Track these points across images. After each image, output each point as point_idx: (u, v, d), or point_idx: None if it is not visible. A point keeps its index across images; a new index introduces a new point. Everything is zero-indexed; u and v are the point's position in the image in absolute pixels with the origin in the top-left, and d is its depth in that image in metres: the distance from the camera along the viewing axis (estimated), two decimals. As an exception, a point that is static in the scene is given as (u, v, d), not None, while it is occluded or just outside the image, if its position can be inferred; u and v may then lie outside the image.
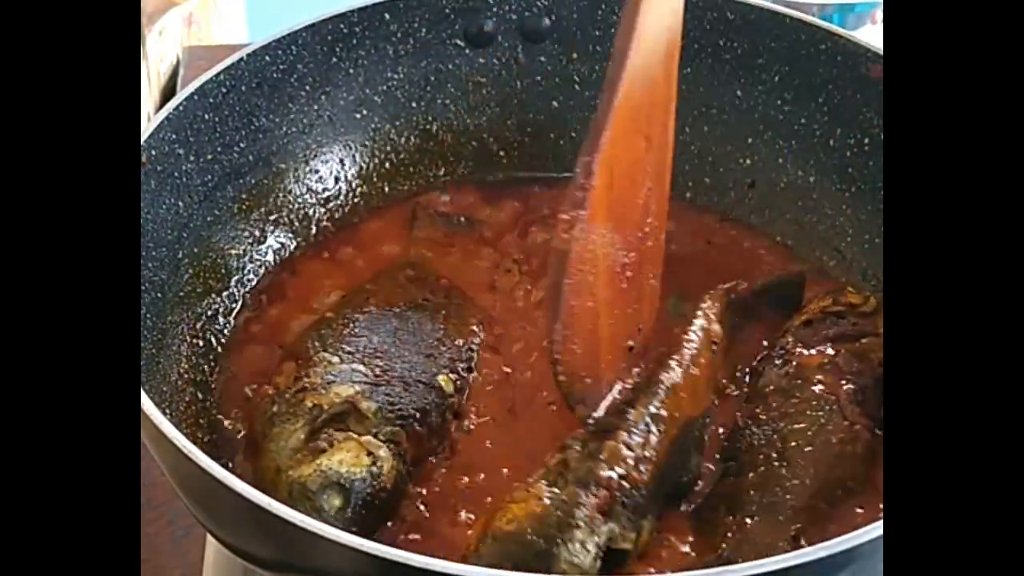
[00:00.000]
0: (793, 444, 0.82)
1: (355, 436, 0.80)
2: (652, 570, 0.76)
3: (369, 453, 0.80)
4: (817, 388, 0.85)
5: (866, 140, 0.98)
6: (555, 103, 1.09)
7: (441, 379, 0.88)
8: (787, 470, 0.81)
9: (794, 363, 0.88)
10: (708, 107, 1.06)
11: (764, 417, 0.85)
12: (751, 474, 0.81)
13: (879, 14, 1.34)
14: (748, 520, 0.78)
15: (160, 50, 1.45)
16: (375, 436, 0.81)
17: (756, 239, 1.04)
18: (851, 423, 0.84)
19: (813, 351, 0.89)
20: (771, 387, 0.87)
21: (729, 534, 0.77)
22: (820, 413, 0.84)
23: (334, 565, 0.65)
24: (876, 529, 0.64)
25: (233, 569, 0.88)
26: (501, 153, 1.10)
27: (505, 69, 1.08)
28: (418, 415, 0.84)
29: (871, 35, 1.29)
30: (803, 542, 0.76)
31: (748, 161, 1.05)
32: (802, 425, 0.83)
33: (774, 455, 0.82)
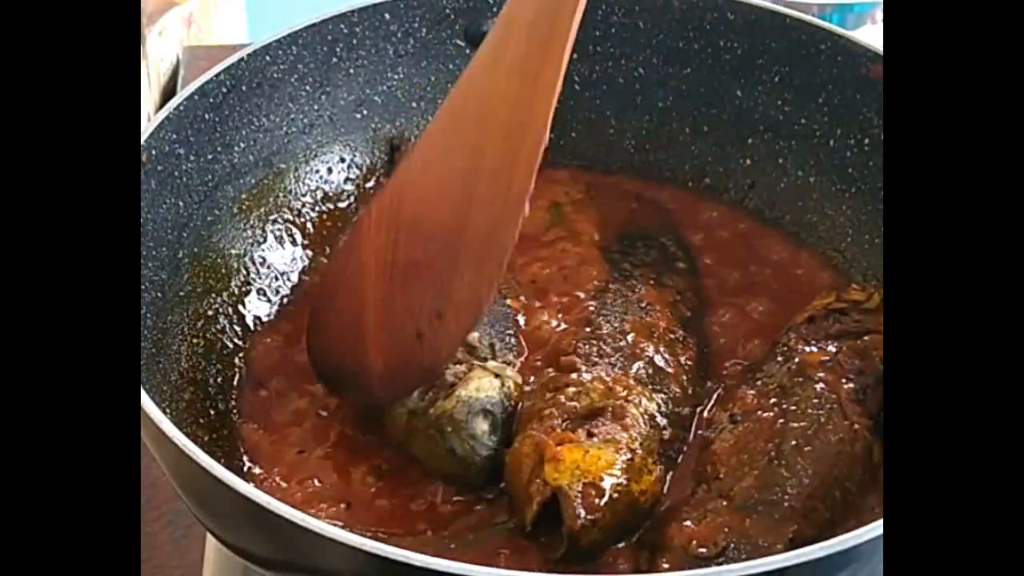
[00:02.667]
0: (792, 443, 0.82)
1: (479, 364, 0.85)
2: (665, 566, 0.76)
3: (497, 376, 0.84)
4: (818, 386, 0.85)
5: (866, 140, 0.98)
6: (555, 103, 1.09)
7: (509, 301, 0.93)
8: (786, 469, 0.81)
9: (796, 360, 0.88)
10: (708, 107, 1.06)
11: (763, 415, 0.85)
12: (748, 472, 0.81)
13: (879, 14, 1.34)
14: (747, 520, 0.78)
15: (160, 50, 1.45)
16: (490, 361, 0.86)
17: (756, 239, 1.04)
18: (851, 423, 0.84)
19: (815, 348, 0.89)
20: (773, 384, 0.87)
21: (727, 529, 0.77)
22: (820, 412, 0.84)
23: (334, 565, 0.65)
24: (876, 529, 0.64)
25: (233, 569, 0.88)
26: (501, 153, 1.10)
27: (505, 69, 1.08)
28: (506, 337, 0.90)
29: (871, 35, 1.29)
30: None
31: (748, 161, 1.05)
32: (802, 424, 0.83)
33: (772, 453, 0.82)
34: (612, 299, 0.93)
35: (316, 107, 1.03)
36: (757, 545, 0.76)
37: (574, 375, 0.85)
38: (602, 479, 0.77)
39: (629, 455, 0.80)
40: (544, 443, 0.79)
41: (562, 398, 0.83)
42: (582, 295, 0.95)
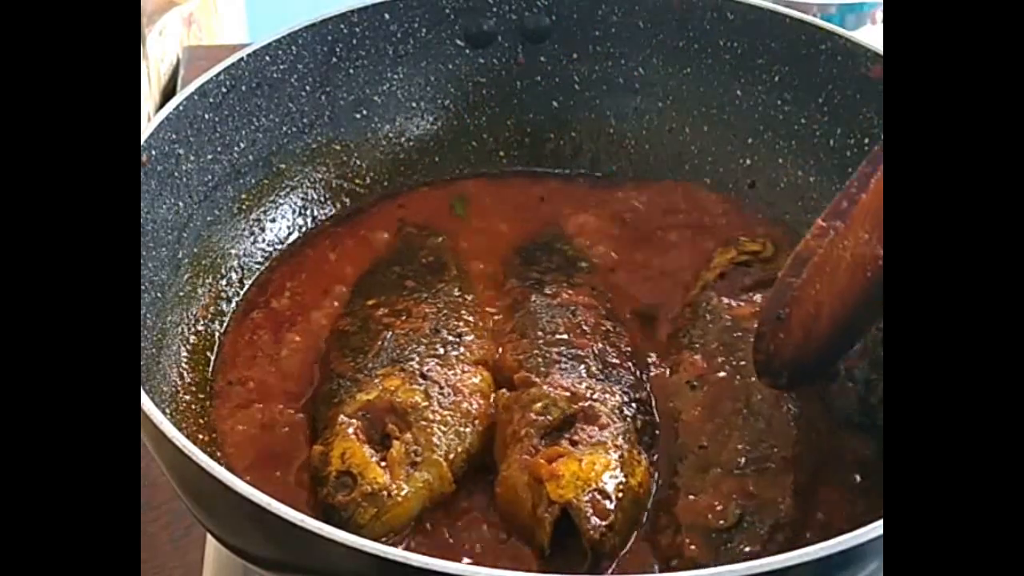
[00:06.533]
0: (759, 396, 0.84)
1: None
2: (692, 548, 0.77)
3: None
4: None
5: (866, 140, 0.98)
6: (555, 103, 1.09)
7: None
8: (762, 422, 0.82)
9: (726, 317, 0.90)
10: (708, 107, 1.06)
11: (719, 375, 0.86)
12: (729, 434, 0.82)
13: (879, 14, 1.34)
14: (748, 482, 0.79)
15: (160, 50, 1.45)
16: None
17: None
18: None
19: (739, 303, 0.90)
20: (714, 344, 0.88)
21: (735, 496, 0.78)
22: None
23: (334, 565, 0.65)
24: (876, 529, 0.64)
25: (233, 569, 0.88)
26: (501, 153, 1.10)
27: (505, 69, 1.08)
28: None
29: (871, 35, 1.29)
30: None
31: (748, 161, 1.05)
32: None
33: (744, 411, 0.83)
34: (536, 308, 0.92)
35: (316, 107, 1.03)
36: (766, 502, 0.78)
37: (533, 389, 0.84)
38: (604, 483, 0.77)
39: (618, 452, 0.80)
40: (535, 464, 0.78)
41: (532, 415, 0.82)
42: (503, 313, 0.94)
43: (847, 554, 0.64)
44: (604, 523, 0.76)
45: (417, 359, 0.86)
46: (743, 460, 0.80)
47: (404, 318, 0.91)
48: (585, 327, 0.90)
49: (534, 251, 1.01)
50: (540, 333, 0.89)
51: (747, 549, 0.76)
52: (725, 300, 0.91)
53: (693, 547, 0.77)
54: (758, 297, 0.91)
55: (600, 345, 0.89)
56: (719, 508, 0.78)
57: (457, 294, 0.95)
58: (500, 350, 0.90)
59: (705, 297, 0.93)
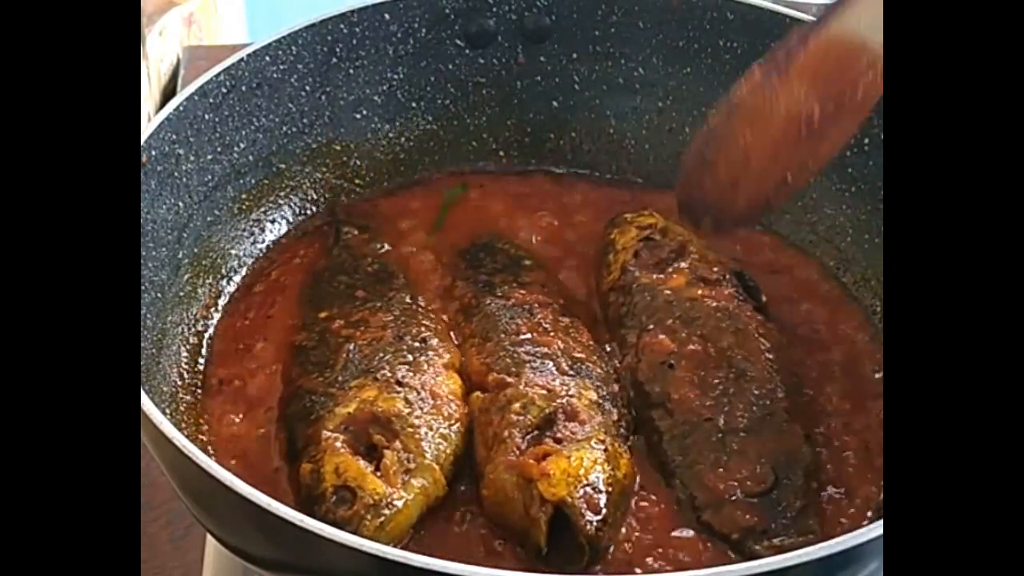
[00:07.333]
0: (739, 358, 0.86)
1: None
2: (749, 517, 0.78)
3: None
4: (709, 303, 0.90)
5: (866, 140, 0.98)
6: (555, 103, 1.10)
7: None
8: (751, 381, 0.84)
9: (665, 291, 0.91)
10: (708, 107, 1.05)
11: (692, 348, 0.87)
12: (729, 402, 0.83)
13: (879, 14, 1.34)
14: (766, 442, 0.81)
15: (160, 50, 1.45)
16: None
17: (757, 238, 1.03)
18: (751, 315, 0.89)
19: (669, 275, 0.93)
20: (670, 320, 0.89)
21: (762, 458, 0.80)
22: (731, 322, 0.88)
23: (334, 565, 0.65)
24: (876, 529, 0.64)
25: (233, 569, 0.88)
26: (501, 153, 1.10)
27: (505, 69, 1.08)
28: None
29: (871, 35, 1.29)
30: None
31: (748, 161, 1.05)
32: (730, 340, 0.87)
33: (732, 375, 0.85)
34: (493, 311, 0.92)
35: (316, 107, 1.03)
36: (790, 452, 0.80)
37: (509, 390, 0.84)
38: (595, 479, 0.77)
39: (602, 447, 0.80)
40: (523, 464, 0.78)
41: (512, 416, 0.81)
42: (457, 317, 0.94)
43: (847, 554, 0.64)
44: (598, 518, 0.76)
45: (388, 367, 0.85)
46: (752, 421, 0.82)
47: (363, 328, 0.90)
48: (545, 325, 0.90)
49: (477, 253, 1.00)
50: (503, 335, 0.89)
51: (797, 503, 0.78)
52: (654, 276, 0.93)
53: (748, 516, 0.78)
54: (684, 264, 0.93)
55: (563, 341, 0.89)
56: (756, 471, 0.79)
57: (409, 301, 0.94)
58: (464, 355, 0.89)
59: (630, 279, 0.94)
